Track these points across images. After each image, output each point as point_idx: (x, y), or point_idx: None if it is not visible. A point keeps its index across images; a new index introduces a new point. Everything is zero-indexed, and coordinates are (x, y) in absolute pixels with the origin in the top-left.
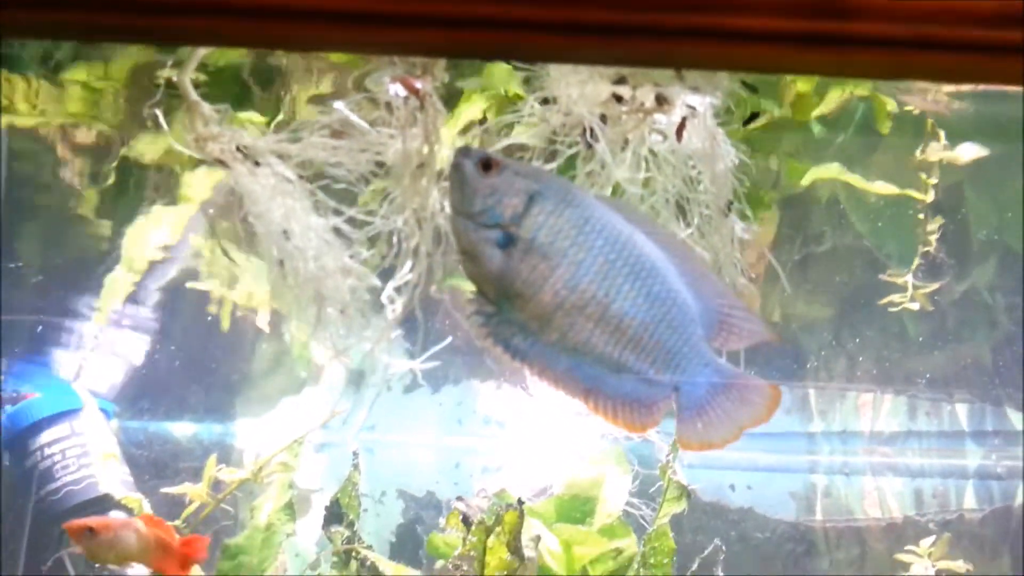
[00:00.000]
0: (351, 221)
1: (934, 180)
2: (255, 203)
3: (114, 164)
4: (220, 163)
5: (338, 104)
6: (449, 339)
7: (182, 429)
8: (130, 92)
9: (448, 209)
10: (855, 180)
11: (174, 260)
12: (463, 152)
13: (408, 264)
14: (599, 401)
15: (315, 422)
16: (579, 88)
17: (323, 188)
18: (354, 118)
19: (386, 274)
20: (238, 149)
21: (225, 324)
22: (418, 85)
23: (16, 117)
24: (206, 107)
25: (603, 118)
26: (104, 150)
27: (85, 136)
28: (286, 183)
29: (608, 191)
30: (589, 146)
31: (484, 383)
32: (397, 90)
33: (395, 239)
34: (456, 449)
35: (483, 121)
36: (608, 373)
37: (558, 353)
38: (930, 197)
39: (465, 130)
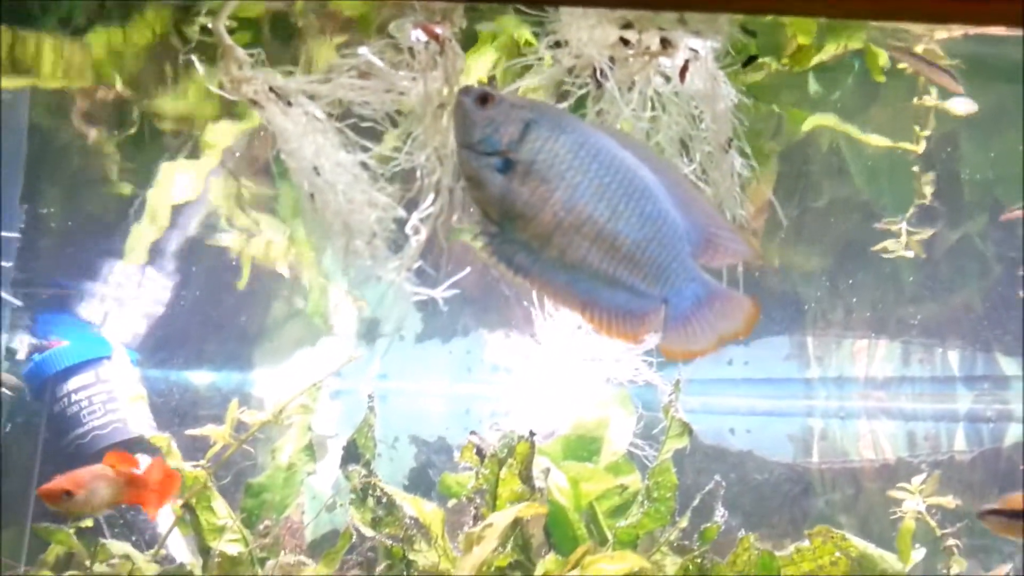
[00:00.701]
0: (378, 157)
1: (927, 132)
2: (287, 141)
3: (134, 121)
4: (254, 103)
5: (363, 49)
6: (467, 270)
7: (201, 378)
8: (149, 52)
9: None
10: (851, 131)
11: (195, 213)
12: (463, 91)
13: (431, 197)
14: (595, 313)
15: (332, 367)
16: (588, 32)
17: (351, 126)
18: (378, 62)
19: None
20: (271, 90)
21: (244, 276)
22: (438, 31)
23: (40, 79)
24: (240, 51)
25: (611, 60)
26: (124, 109)
27: (105, 95)
28: (316, 122)
29: (632, 135)
30: (599, 86)
31: (492, 333)
32: (418, 35)
33: (418, 174)
34: (466, 396)
35: (491, 79)
36: (603, 287)
37: (557, 269)
38: (922, 147)
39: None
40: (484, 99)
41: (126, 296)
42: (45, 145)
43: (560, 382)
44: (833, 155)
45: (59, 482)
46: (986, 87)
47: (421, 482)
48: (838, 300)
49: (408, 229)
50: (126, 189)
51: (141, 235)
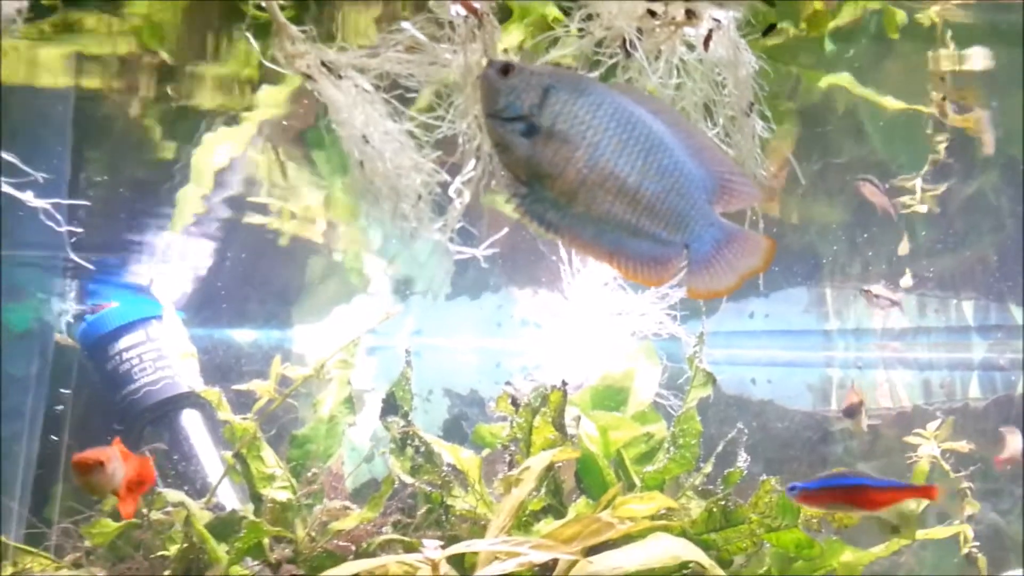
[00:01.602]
0: (422, 125)
1: (940, 94)
2: (338, 112)
3: (176, 88)
4: (307, 77)
5: (406, 24)
6: (505, 230)
7: (243, 336)
8: (189, 20)
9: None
10: (866, 94)
11: (235, 176)
12: (487, 64)
13: (472, 162)
14: (621, 261)
15: (370, 323)
16: (618, 4)
17: (397, 97)
18: (421, 36)
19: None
20: (323, 64)
21: (284, 238)
22: (476, 5)
23: (84, 46)
24: (293, 28)
25: (639, 31)
26: (166, 76)
27: (148, 63)
28: (365, 93)
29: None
30: (628, 55)
31: (521, 290)
32: (458, 10)
33: (460, 140)
34: (496, 351)
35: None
36: (628, 237)
37: (584, 223)
38: (935, 108)
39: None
40: (506, 69)
41: (172, 258)
42: (91, 112)
43: (588, 336)
44: (850, 114)
45: (94, 454)
46: (999, 47)
47: (454, 432)
48: (855, 254)
49: (451, 192)
50: (169, 153)
51: (187, 200)
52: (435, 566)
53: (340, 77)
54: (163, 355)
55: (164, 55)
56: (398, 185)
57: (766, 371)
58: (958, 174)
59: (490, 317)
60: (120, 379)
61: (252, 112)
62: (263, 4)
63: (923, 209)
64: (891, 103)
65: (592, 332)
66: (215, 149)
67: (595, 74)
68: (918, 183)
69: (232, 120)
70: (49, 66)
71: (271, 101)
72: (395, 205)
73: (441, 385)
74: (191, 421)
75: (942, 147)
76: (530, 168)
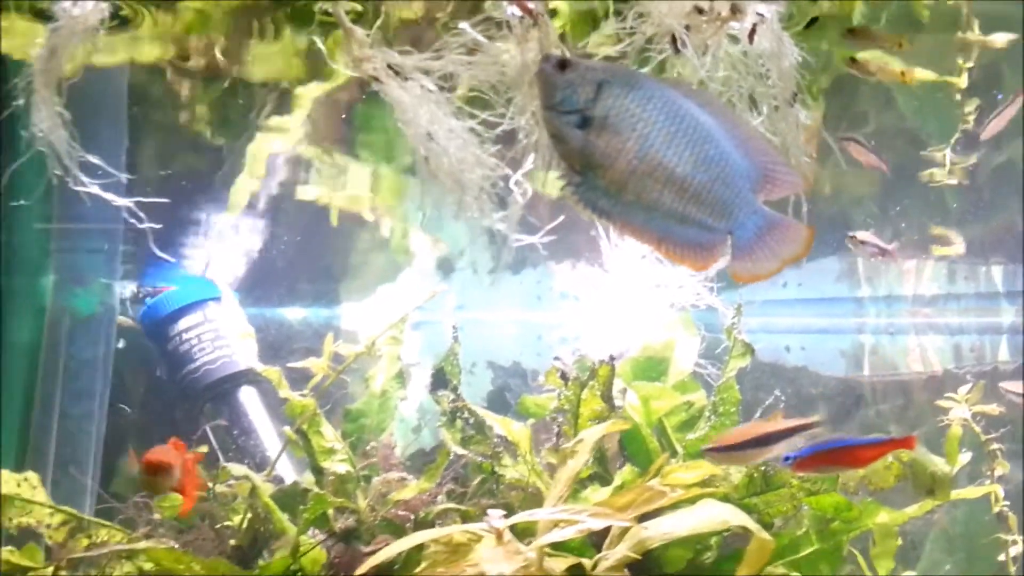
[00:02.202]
0: (484, 122)
1: (970, 64)
2: (404, 111)
3: (226, 84)
4: (374, 79)
5: (463, 24)
6: (561, 217)
7: (293, 314)
8: (237, 18)
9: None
10: (895, 64)
11: (286, 162)
12: (544, 58)
13: (531, 156)
14: (669, 247)
15: (418, 300)
16: (668, 4)
17: (460, 96)
18: (481, 38)
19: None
20: (389, 67)
21: (333, 219)
22: (531, 6)
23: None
24: (360, 32)
25: (687, 27)
26: (217, 69)
27: (199, 55)
28: (429, 93)
29: (693, 86)
30: (677, 51)
31: (560, 264)
32: (513, 11)
33: (519, 136)
34: (537, 323)
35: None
36: (675, 224)
37: (635, 210)
38: (964, 82)
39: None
40: (563, 65)
41: (226, 240)
42: (145, 101)
43: (627, 308)
44: (880, 85)
45: (163, 456)
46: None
47: (498, 404)
48: (886, 223)
49: (512, 184)
50: (220, 141)
51: (242, 186)
52: (500, 534)
53: (405, 79)
54: (220, 335)
55: (213, 48)
56: (462, 179)
57: (800, 338)
58: (987, 144)
59: (531, 291)
60: (180, 359)
61: (303, 100)
62: (329, 9)
63: (952, 181)
64: (920, 74)
65: (631, 304)
66: (268, 138)
67: (645, 69)
68: (948, 154)
69: (280, 106)
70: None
71: (320, 90)
72: (459, 197)
73: (484, 358)
74: (248, 398)
75: (971, 118)
76: (584, 158)
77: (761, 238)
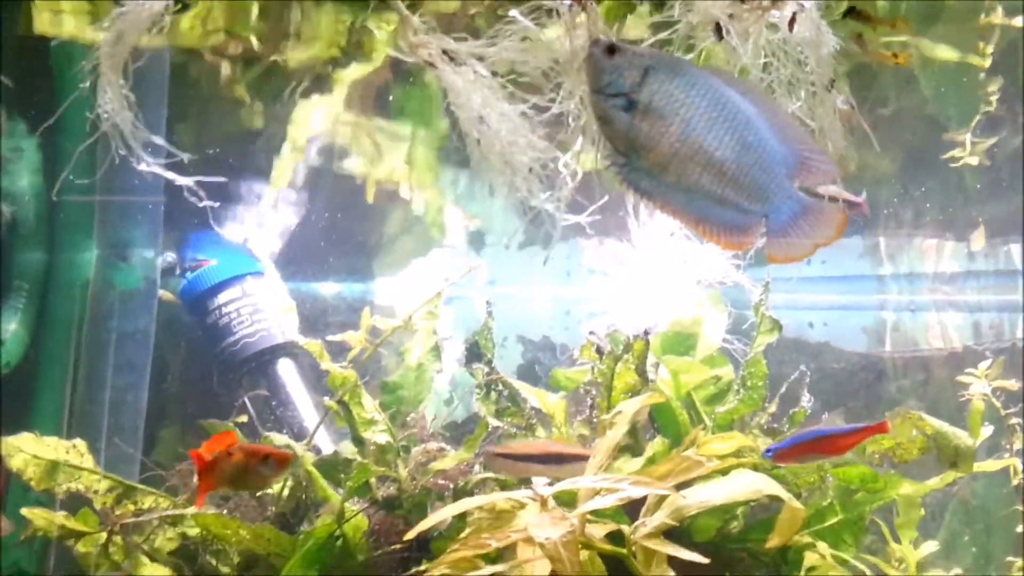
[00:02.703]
0: (534, 107)
1: (991, 47)
2: (457, 95)
3: (264, 61)
4: (429, 64)
5: (513, 12)
6: (606, 197)
7: (328, 288)
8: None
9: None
10: (924, 46)
11: (323, 140)
12: (593, 43)
13: (579, 139)
14: (707, 227)
15: (455, 276)
16: None
17: (511, 81)
18: (531, 25)
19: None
20: (444, 53)
21: (370, 198)
22: None
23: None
24: (415, 20)
25: (730, 16)
26: (252, 57)
27: (239, 39)
28: (483, 78)
29: (735, 75)
30: (720, 39)
31: (588, 240)
32: None
33: (568, 119)
34: (566, 298)
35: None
36: (714, 206)
37: (675, 192)
38: (988, 63)
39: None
40: (611, 49)
41: (265, 217)
42: (185, 83)
43: (655, 284)
44: (901, 69)
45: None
46: None
47: (528, 377)
48: (909, 202)
49: (561, 166)
50: (259, 121)
51: (284, 164)
52: (544, 501)
53: (459, 64)
54: (259, 308)
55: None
56: (512, 161)
57: (823, 315)
58: (1008, 125)
59: (560, 266)
60: (220, 332)
61: (342, 81)
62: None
63: (974, 162)
64: (944, 52)
65: (660, 279)
66: (309, 115)
67: (689, 56)
68: (968, 136)
69: (317, 86)
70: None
71: (359, 71)
72: (509, 179)
73: (515, 332)
74: (286, 370)
75: (994, 99)
76: (628, 140)
77: (795, 222)
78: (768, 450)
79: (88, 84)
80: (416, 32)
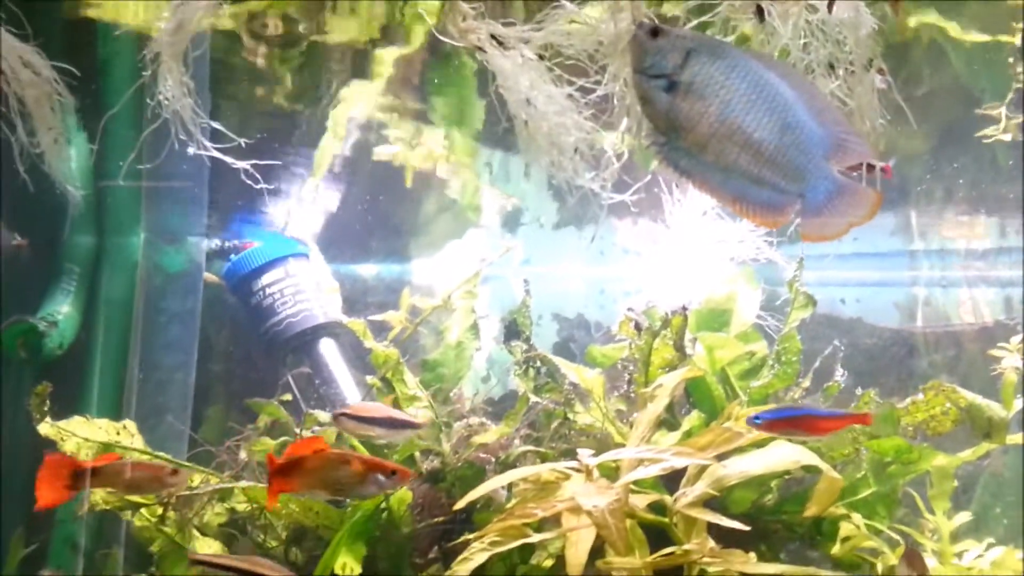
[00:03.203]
0: (580, 88)
1: (1022, 25)
2: (505, 78)
3: (303, 47)
4: (478, 48)
5: None
6: (648, 177)
7: (367, 270)
8: None
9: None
10: (951, 28)
11: (362, 125)
12: (638, 25)
13: (624, 120)
14: (744, 205)
15: (490, 256)
16: None
17: (558, 64)
18: (574, 7)
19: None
20: (492, 37)
21: (408, 179)
22: None
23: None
24: (464, 5)
25: None
26: (290, 39)
27: (276, 22)
28: (530, 61)
29: (776, 54)
30: (762, 20)
31: (622, 220)
32: None
33: (613, 100)
34: (600, 277)
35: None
36: (751, 185)
37: (713, 171)
38: (1019, 40)
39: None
40: (655, 32)
41: (306, 199)
42: (225, 69)
43: (689, 262)
44: (934, 46)
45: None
46: None
47: (563, 354)
48: (941, 179)
49: (607, 146)
50: (298, 106)
51: (326, 149)
52: (589, 472)
53: (507, 48)
54: (301, 289)
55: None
56: (559, 141)
57: (855, 291)
58: None
59: (594, 246)
60: (263, 313)
61: (382, 67)
62: None
63: (1007, 138)
64: (974, 36)
65: (694, 258)
66: (351, 103)
67: (732, 37)
68: (1003, 111)
69: (356, 72)
70: None
71: (397, 56)
72: (556, 159)
73: (550, 310)
74: (328, 349)
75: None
76: (669, 121)
77: (831, 201)
78: (756, 417)
79: (148, 72)
80: (465, 18)
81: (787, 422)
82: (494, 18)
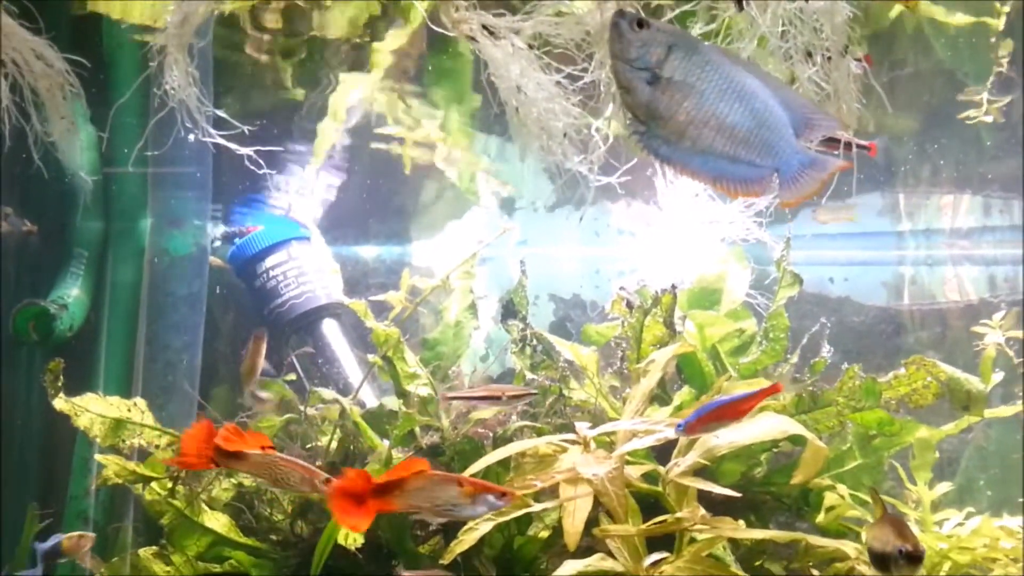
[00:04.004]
0: (568, 76)
1: (1007, 8)
2: (497, 67)
3: (304, 35)
4: (470, 39)
5: None
6: (634, 160)
7: (367, 252)
8: None
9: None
10: (936, 11)
11: (361, 111)
12: (619, 14)
13: (610, 106)
14: (724, 183)
15: (487, 238)
16: None
17: (547, 52)
18: None
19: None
20: (483, 27)
21: (407, 166)
22: None
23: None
24: None
25: None
26: (291, 29)
27: (276, 9)
28: (520, 50)
29: (755, 42)
30: (741, 8)
31: (615, 202)
32: None
33: (600, 87)
34: (595, 258)
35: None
36: (728, 164)
37: (692, 155)
38: (1002, 24)
39: None
40: (640, 24)
41: (308, 183)
42: (229, 56)
43: (681, 242)
44: (919, 31)
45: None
46: None
47: (560, 333)
48: (925, 159)
49: (593, 130)
50: (299, 94)
51: (326, 134)
52: (587, 443)
53: (498, 38)
54: (303, 271)
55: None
56: (548, 126)
57: (843, 270)
58: (1021, 84)
59: (589, 227)
60: (267, 295)
61: (380, 55)
62: None
63: (989, 119)
64: (959, 19)
65: (685, 239)
66: (350, 87)
67: (711, 26)
68: (984, 95)
69: (356, 60)
70: None
71: (395, 45)
72: (546, 143)
73: (546, 290)
74: (330, 329)
75: (1005, 61)
76: (648, 110)
77: (803, 171)
78: (679, 424)
79: (154, 63)
80: (457, 8)
81: (707, 417)
82: (485, 9)
